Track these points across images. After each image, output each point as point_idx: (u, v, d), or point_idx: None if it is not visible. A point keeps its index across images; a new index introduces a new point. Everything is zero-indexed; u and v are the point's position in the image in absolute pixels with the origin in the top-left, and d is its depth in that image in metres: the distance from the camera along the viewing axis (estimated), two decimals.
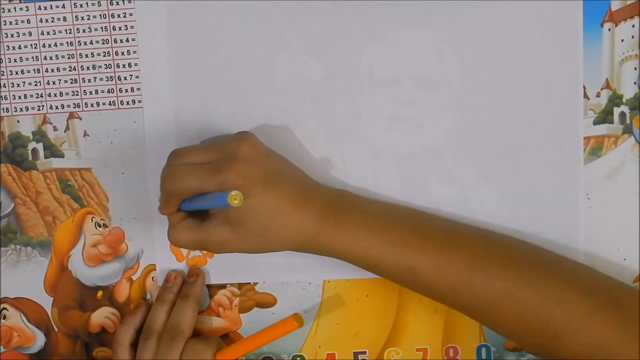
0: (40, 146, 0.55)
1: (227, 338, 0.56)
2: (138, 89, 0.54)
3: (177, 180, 0.47)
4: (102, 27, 0.54)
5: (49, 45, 0.54)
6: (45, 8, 0.54)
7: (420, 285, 0.49)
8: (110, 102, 0.55)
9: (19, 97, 0.55)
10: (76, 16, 0.54)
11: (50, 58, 0.54)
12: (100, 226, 0.56)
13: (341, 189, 0.52)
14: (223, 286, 0.56)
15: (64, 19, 0.54)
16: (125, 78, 0.54)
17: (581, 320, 0.46)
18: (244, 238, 0.48)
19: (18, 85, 0.55)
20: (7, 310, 0.57)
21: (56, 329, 0.57)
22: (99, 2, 0.54)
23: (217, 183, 0.46)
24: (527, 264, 0.48)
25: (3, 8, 0.54)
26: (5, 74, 0.55)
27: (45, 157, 0.55)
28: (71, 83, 0.55)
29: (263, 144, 0.49)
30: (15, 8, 0.54)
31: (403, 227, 0.49)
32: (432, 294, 0.49)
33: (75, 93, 0.55)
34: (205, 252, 0.55)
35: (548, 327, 0.46)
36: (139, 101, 0.54)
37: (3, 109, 0.55)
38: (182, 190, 0.47)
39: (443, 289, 0.48)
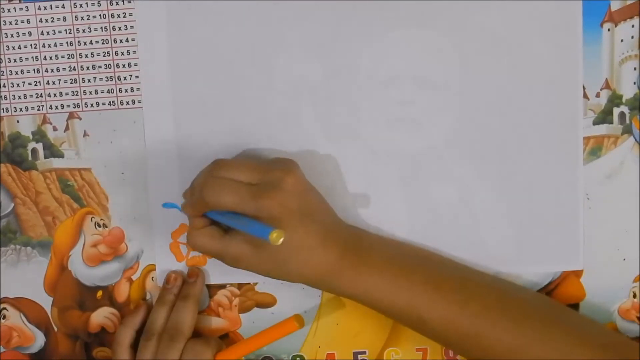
0: (40, 146, 0.55)
1: (226, 338, 0.56)
2: (138, 89, 0.54)
3: (215, 193, 0.47)
4: (102, 27, 0.54)
5: (49, 45, 0.54)
6: (45, 8, 0.54)
7: (429, 333, 0.50)
8: (110, 102, 0.55)
9: (19, 97, 0.55)
10: (76, 16, 0.54)
11: (50, 58, 0.54)
12: (100, 226, 0.56)
13: (359, 228, 0.53)
14: (223, 286, 0.56)
15: (64, 19, 0.54)
16: (125, 78, 0.54)
17: None
18: (262, 261, 0.49)
19: (18, 85, 0.55)
20: (7, 310, 0.57)
21: (56, 329, 0.57)
22: (99, 2, 0.54)
23: (255, 208, 0.46)
24: (537, 318, 0.48)
25: (3, 8, 0.54)
26: (5, 74, 0.55)
27: (45, 157, 0.55)
28: (71, 83, 0.55)
29: (305, 177, 0.50)
30: (15, 8, 0.54)
31: (416, 275, 0.49)
32: (442, 342, 0.51)
33: (75, 93, 0.55)
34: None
35: None
36: (139, 101, 0.54)
37: (3, 109, 0.55)
38: (217, 203, 0.47)
39: (452, 339, 0.49)
